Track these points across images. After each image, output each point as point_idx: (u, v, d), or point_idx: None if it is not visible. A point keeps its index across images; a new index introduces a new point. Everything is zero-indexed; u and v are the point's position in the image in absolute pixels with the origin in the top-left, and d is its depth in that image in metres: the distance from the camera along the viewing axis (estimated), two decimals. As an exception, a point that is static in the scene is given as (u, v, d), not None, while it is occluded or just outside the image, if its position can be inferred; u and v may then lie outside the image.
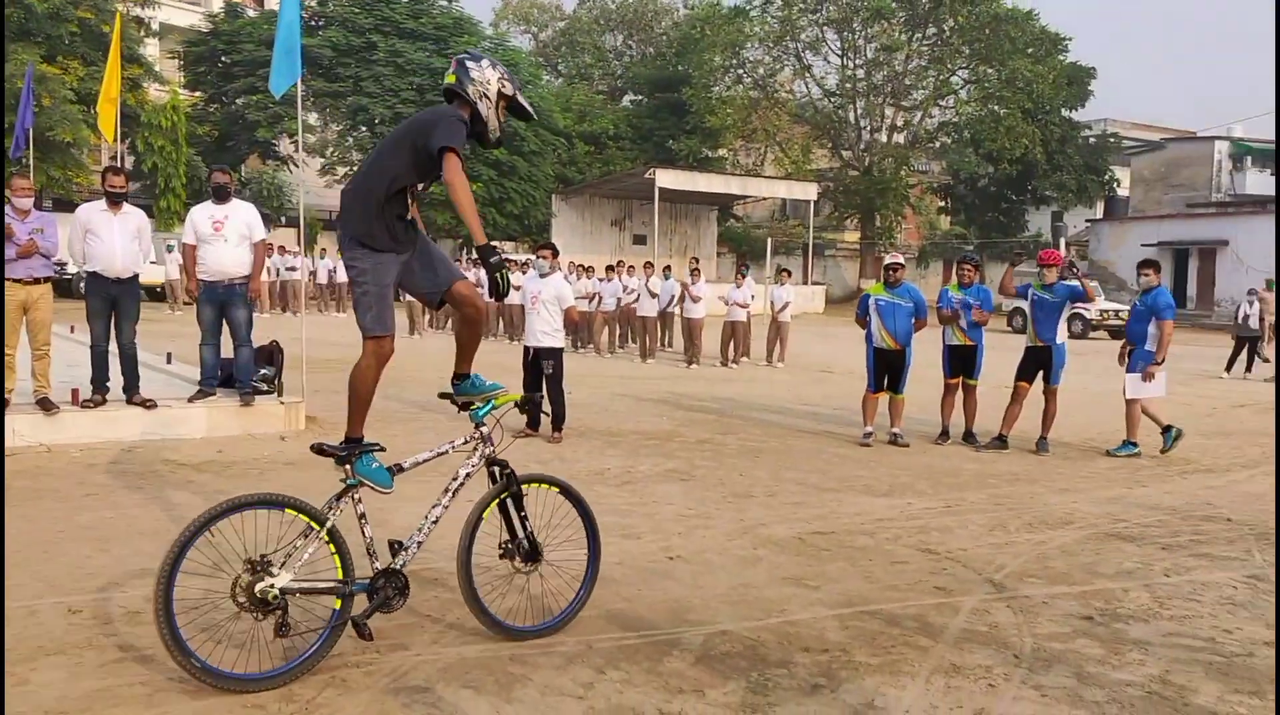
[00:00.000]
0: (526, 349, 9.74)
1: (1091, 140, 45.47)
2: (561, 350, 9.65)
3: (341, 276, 28.06)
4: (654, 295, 18.28)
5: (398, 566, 4.01)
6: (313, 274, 27.43)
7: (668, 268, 19.60)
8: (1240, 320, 18.74)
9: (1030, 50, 39.52)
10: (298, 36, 9.02)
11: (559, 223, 38.49)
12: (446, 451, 4.25)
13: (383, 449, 4.13)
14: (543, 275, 9.81)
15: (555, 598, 4.50)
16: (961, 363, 9.88)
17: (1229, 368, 18.31)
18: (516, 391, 4.84)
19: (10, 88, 23.35)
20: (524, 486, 4.33)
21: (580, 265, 21.50)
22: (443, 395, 4.40)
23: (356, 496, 3.96)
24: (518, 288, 12.96)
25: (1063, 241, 29.25)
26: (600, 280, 19.67)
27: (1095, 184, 44.37)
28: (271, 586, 3.66)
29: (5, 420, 7.48)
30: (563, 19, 57.15)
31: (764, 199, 46.28)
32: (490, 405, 4.30)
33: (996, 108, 40.44)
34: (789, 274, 19.13)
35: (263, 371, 9.45)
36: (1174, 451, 9.59)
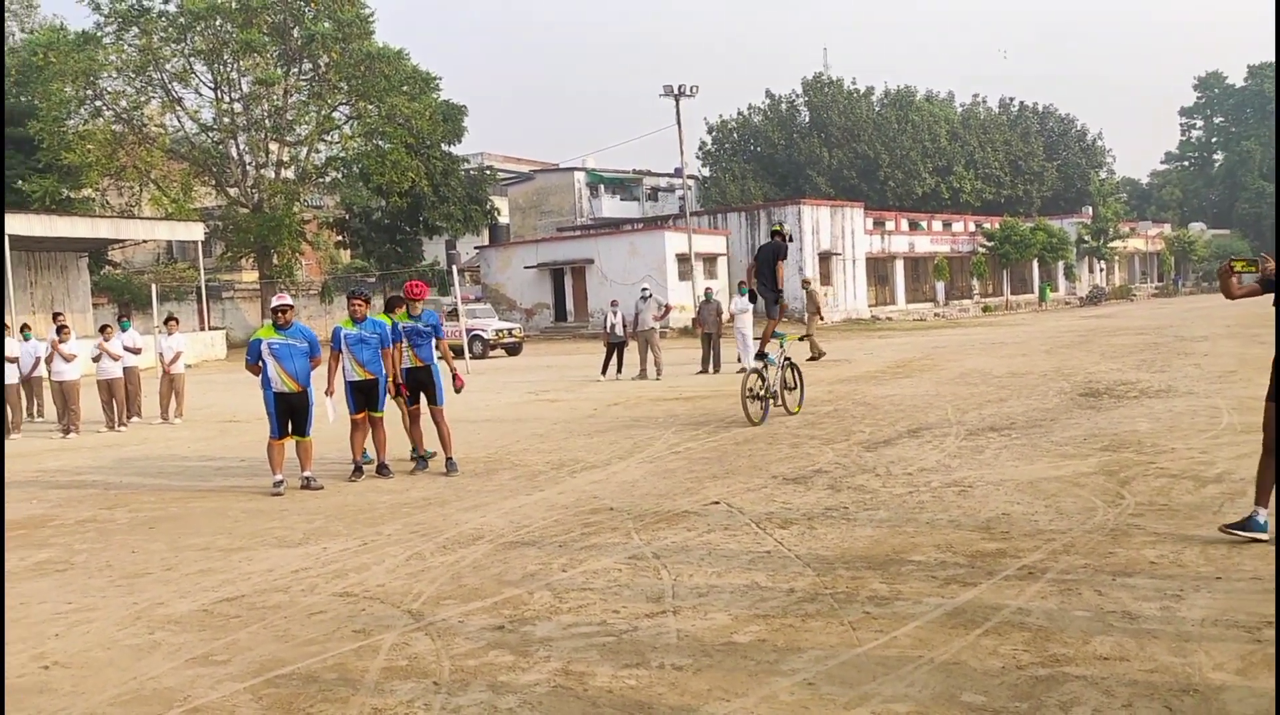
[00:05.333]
0: None
1: (471, 173, 48.77)
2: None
3: None
4: (12, 359, 15.70)
5: (777, 389, 12.57)
6: None
7: (26, 326, 16.96)
8: (608, 328, 21.32)
9: (405, 88, 41.15)
10: None
11: (-125, 283, 31.50)
12: (775, 359, 12.85)
13: (766, 356, 12.68)
14: None
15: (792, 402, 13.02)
16: (365, 397, 9.88)
17: (604, 371, 20.75)
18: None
19: None
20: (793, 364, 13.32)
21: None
22: (759, 356, 12.76)
23: (766, 367, 12.56)
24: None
25: (454, 268, 30.86)
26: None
27: (479, 213, 47.68)
28: (765, 392, 12.44)
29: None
30: None
31: (144, 242, 42.50)
32: (783, 343, 13.13)
33: (381, 143, 41.49)
34: (177, 322, 17.68)
35: None
36: (553, 457, 10.58)
